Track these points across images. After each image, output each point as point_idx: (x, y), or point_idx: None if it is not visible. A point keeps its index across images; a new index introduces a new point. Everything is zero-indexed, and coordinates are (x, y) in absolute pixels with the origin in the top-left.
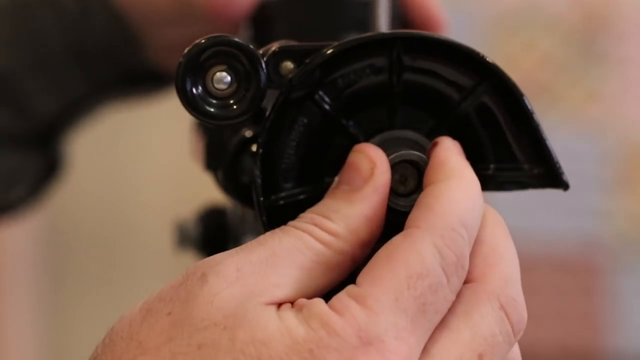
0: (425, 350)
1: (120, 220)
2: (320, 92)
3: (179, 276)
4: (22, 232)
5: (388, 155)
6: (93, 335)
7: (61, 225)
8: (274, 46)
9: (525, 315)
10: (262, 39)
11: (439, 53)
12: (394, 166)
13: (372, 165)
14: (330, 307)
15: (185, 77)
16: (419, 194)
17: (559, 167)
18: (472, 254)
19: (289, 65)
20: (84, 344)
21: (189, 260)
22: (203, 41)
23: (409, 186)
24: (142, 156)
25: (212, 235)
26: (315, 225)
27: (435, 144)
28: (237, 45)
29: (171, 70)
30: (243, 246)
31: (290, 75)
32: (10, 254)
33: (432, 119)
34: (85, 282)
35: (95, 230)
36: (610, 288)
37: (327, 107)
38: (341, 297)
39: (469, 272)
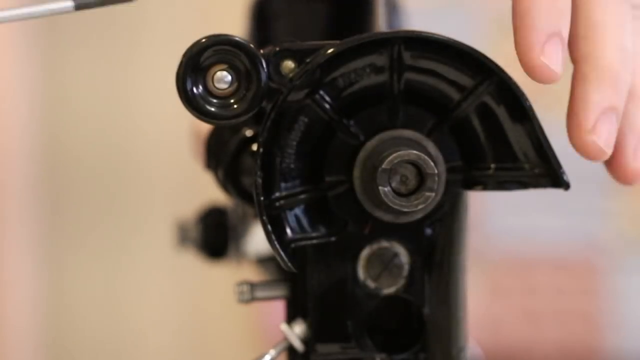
0: None
1: (120, 223)
2: (321, 92)
3: None
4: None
5: (388, 155)
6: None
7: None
8: (275, 45)
9: None
10: (262, 38)
11: (439, 53)
12: (394, 166)
13: None
14: None
15: (185, 77)
16: (420, 194)
17: (560, 167)
18: None
19: (289, 64)
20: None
21: (189, 260)
22: (203, 40)
23: (409, 186)
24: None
25: (212, 235)
26: None
27: None
28: (238, 45)
29: None
30: None
31: (291, 75)
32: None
33: (433, 119)
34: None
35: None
36: (610, 288)
37: (327, 106)
38: None
39: None
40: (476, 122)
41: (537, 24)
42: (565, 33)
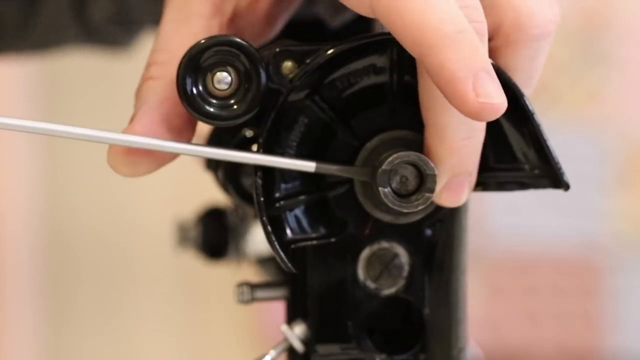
0: None
1: (120, 223)
2: (321, 92)
3: None
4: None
5: (388, 155)
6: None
7: (61, 233)
8: (275, 46)
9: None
10: None
11: None
12: (394, 167)
13: None
14: None
15: (185, 77)
16: (420, 194)
17: (560, 168)
18: None
19: (289, 65)
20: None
21: (189, 260)
22: (203, 41)
23: (409, 187)
24: None
25: (212, 235)
26: None
27: None
28: (238, 46)
29: None
30: None
31: (291, 76)
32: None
33: None
34: (85, 281)
35: (94, 231)
36: (610, 288)
37: (327, 107)
38: None
39: None
40: None
41: (457, 75)
42: (487, 65)
